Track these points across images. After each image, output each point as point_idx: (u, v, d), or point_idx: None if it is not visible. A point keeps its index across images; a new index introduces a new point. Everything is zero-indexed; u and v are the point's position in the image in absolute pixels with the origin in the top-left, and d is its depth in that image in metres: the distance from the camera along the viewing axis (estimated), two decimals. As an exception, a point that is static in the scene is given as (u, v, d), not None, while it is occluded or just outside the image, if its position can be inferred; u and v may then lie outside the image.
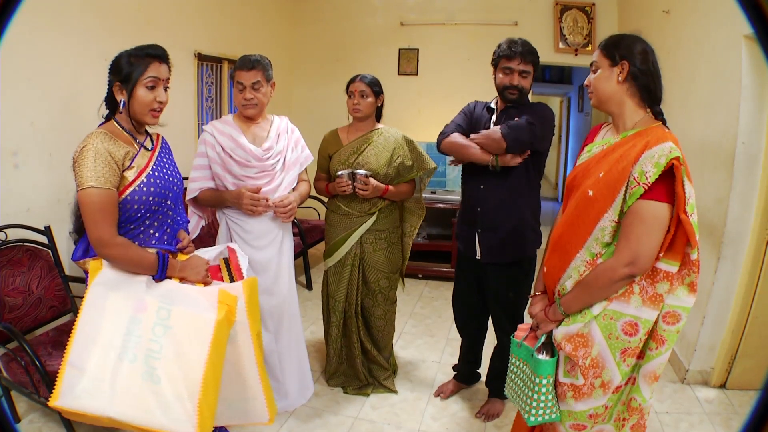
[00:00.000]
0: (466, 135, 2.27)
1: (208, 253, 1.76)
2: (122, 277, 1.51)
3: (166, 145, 1.73)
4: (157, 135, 1.70)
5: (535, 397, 1.53)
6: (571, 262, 1.51)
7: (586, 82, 1.58)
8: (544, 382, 1.52)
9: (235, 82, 2.19)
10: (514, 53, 2.13)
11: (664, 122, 1.50)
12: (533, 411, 1.54)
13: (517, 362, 1.67)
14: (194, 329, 1.45)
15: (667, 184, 1.36)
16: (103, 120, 1.60)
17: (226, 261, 1.83)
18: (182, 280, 1.61)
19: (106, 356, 1.41)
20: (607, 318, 1.45)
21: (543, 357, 1.55)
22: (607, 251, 1.46)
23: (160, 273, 1.55)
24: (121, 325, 1.44)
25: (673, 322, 1.43)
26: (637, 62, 1.45)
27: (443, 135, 2.32)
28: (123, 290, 1.49)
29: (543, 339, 1.59)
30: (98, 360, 1.40)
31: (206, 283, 1.64)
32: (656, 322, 1.44)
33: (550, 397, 1.53)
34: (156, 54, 1.56)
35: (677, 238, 1.39)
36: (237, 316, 1.55)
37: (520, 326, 1.73)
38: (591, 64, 1.57)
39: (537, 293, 1.72)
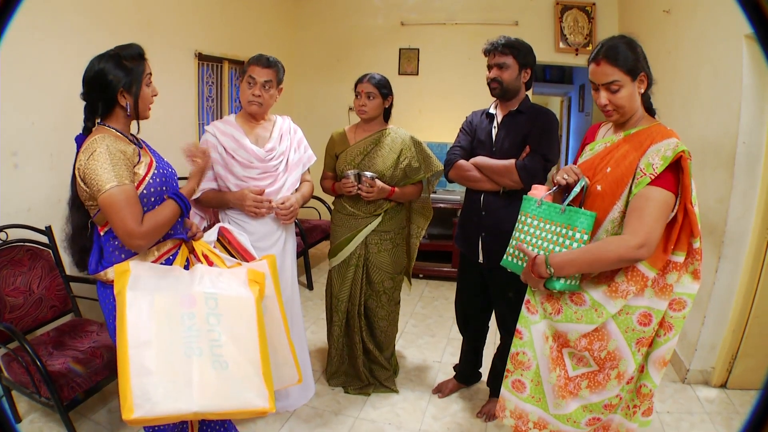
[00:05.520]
0: (471, 152, 2.27)
1: (208, 237, 1.85)
2: (157, 276, 1.53)
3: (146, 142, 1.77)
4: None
5: (568, 243, 1.51)
6: None
7: (604, 101, 1.51)
8: (585, 237, 1.49)
9: (247, 75, 2.18)
10: (487, 50, 2.18)
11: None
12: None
13: (533, 221, 1.61)
14: (240, 311, 1.53)
15: (673, 176, 1.42)
16: (82, 132, 1.59)
17: (220, 241, 1.90)
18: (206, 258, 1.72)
19: (173, 356, 1.42)
20: (623, 314, 1.51)
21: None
22: None
23: (185, 207, 1.64)
24: (179, 323, 1.46)
25: (679, 309, 1.51)
26: (650, 70, 1.52)
27: (449, 163, 2.31)
28: (165, 289, 1.50)
29: (572, 194, 1.54)
30: (163, 362, 1.40)
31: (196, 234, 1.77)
32: (665, 310, 1.51)
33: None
34: (142, 53, 1.60)
35: (683, 230, 1.46)
36: (266, 290, 1.67)
37: (535, 185, 1.70)
38: (610, 84, 1.49)
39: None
